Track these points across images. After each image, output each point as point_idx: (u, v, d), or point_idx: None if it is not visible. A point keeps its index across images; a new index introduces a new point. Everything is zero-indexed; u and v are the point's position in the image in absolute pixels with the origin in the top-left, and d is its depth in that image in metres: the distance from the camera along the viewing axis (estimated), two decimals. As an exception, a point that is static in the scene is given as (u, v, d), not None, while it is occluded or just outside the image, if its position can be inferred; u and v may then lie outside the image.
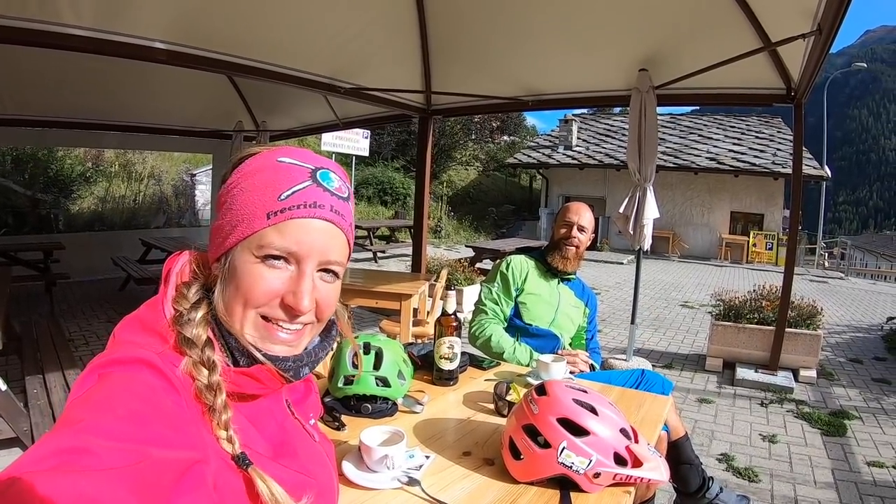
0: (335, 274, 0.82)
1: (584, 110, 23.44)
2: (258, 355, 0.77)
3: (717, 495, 2.41)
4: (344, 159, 18.68)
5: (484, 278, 3.03)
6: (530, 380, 2.06)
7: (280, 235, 0.75)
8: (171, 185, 13.00)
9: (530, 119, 34.61)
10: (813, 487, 3.23)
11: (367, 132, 16.06)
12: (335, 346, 0.92)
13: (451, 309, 2.05)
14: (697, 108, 24.16)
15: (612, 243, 17.70)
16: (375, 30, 5.04)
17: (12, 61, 5.50)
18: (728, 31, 4.05)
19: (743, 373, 5.08)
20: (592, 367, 2.65)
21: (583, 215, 2.82)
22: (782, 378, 4.98)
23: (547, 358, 2.10)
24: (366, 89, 5.60)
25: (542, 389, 1.37)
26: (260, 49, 4.64)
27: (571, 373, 2.43)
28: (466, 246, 14.24)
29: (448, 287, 2.11)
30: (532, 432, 1.29)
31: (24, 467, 0.51)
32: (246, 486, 0.70)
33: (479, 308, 2.83)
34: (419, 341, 3.58)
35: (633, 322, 5.33)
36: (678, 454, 2.33)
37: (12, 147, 11.18)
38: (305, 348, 0.84)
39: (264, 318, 0.78)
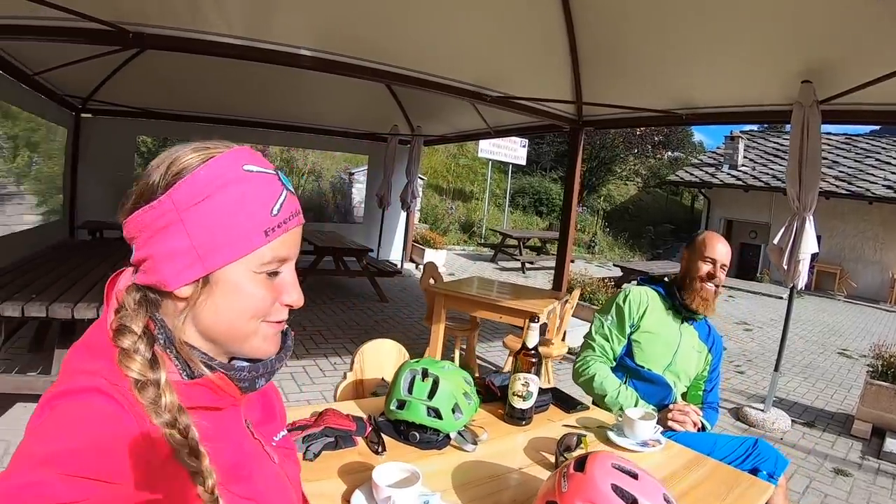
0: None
1: (753, 127, 21.40)
2: (214, 364, 0.77)
3: None
4: (501, 166, 18.82)
5: (598, 309, 2.76)
6: (612, 435, 1.83)
7: (280, 247, 0.78)
8: (329, 182, 13.74)
9: (697, 134, 32.39)
10: None
11: (525, 141, 15.99)
12: (288, 356, 0.88)
13: (531, 343, 1.89)
14: (877, 128, 21.04)
15: (773, 275, 15.94)
16: (523, 38, 4.93)
17: (180, 64, 6.10)
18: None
19: (893, 445, 4.33)
20: (703, 427, 2.30)
21: (723, 252, 2.46)
22: (940, 458, 4.18)
23: (634, 413, 1.86)
24: (513, 98, 5.52)
25: (581, 463, 1.16)
26: (406, 56, 4.71)
27: (671, 430, 2.13)
28: (615, 265, 13.62)
29: (533, 319, 1.91)
30: (555, 510, 1.09)
31: None
32: None
33: (587, 342, 2.59)
34: (500, 371, 3.41)
35: (776, 369, 4.78)
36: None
37: (182, 139, 12.43)
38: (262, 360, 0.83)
39: (276, 320, 0.81)
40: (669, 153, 28.19)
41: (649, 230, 21.75)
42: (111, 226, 7.17)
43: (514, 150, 15.77)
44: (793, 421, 4.87)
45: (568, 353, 5.05)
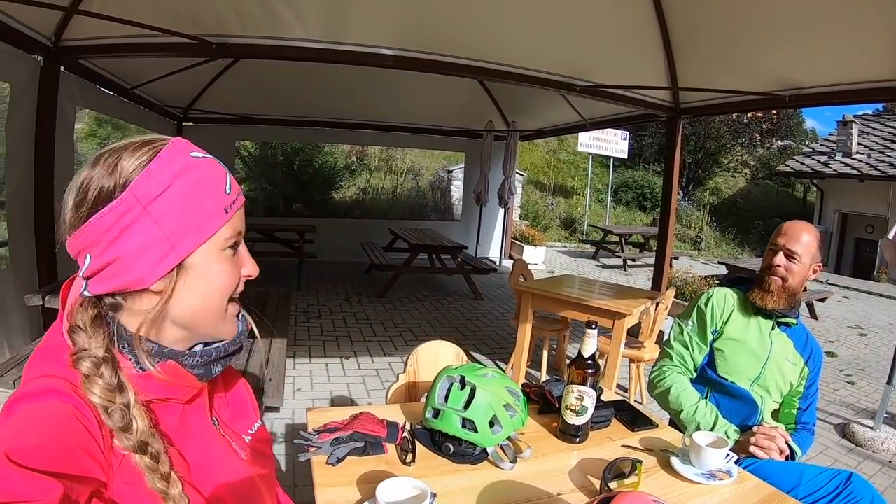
0: None
1: (868, 110, 19.37)
2: (174, 354, 0.79)
3: None
4: (603, 160, 18.26)
5: (680, 312, 2.51)
6: (675, 461, 1.60)
7: (238, 222, 0.83)
8: (428, 180, 13.84)
9: (809, 121, 29.82)
10: None
11: (626, 133, 15.43)
12: (243, 343, 0.89)
13: (587, 352, 1.69)
14: None
15: (892, 273, 14.26)
16: (610, 24, 4.73)
17: (274, 70, 6.42)
18: None
19: None
20: (792, 455, 2.00)
21: (796, 237, 2.15)
22: None
23: (704, 438, 1.61)
24: (604, 87, 5.30)
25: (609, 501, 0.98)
26: (492, 50, 4.67)
27: (752, 455, 1.88)
28: (719, 262, 12.80)
29: (590, 325, 1.73)
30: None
31: None
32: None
33: (664, 350, 2.36)
34: (558, 378, 3.19)
35: (889, 381, 4.24)
36: None
37: (282, 143, 13.01)
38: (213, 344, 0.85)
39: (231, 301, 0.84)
40: (779, 142, 26.14)
41: (759, 225, 20.27)
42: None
43: (615, 143, 15.24)
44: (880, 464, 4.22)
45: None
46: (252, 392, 1.05)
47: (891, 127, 18.27)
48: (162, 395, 0.78)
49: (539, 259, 11.19)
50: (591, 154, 16.23)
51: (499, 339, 6.00)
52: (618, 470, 1.42)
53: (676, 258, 13.48)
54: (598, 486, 1.43)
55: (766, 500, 1.47)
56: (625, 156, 16.26)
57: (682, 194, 19.28)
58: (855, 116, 18.18)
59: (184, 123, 8.08)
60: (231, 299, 0.83)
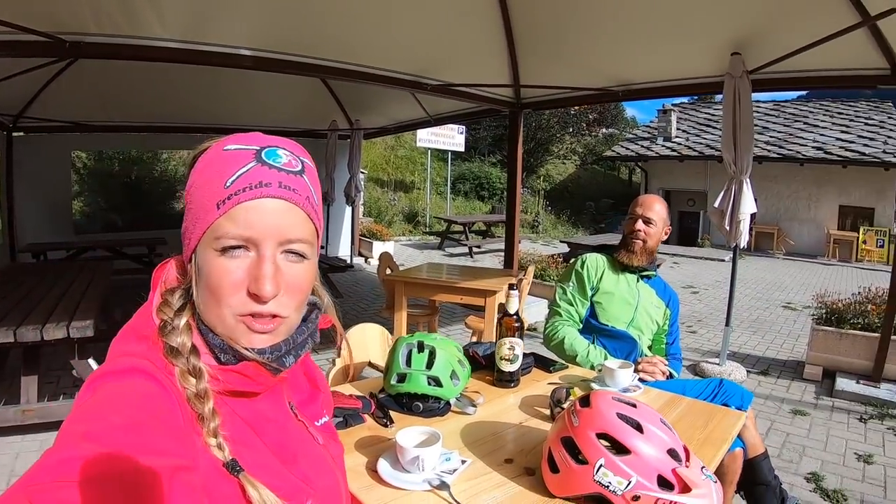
0: (300, 254, 0.77)
1: (684, 99, 22.29)
2: (241, 350, 0.75)
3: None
4: (440, 155, 18.94)
5: (558, 278, 2.92)
6: (595, 385, 1.98)
7: (232, 223, 0.72)
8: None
9: (629, 110, 33.37)
10: (906, 517, 2.92)
11: (463, 128, 16.12)
12: (317, 329, 0.87)
13: (512, 309, 2.01)
14: (803, 93, 22.32)
15: (714, 239, 16.77)
16: (459, 26, 5.00)
17: (112, 74, 5.95)
18: (822, 7, 3.70)
19: (843, 383, 4.67)
20: (670, 376, 2.49)
21: (650, 207, 2.67)
22: (886, 391, 4.52)
23: (613, 363, 2.01)
24: (452, 85, 5.59)
25: (586, 400, 1.30)
26: (345, 50, 4.71)
27: (642, 380, 2.31)
28: (561, 241, 13.97)
29: (512, 286, 2.04)
30: (570, 445, 1.23)
31: (26, 482, 0.52)
32: (241, 492, 0.69)
33: (553, 309, 2.75)
34: (489, 341, 3.54)
35: (727, 324, 5.04)
36: (755, 474, 2.17)
37: (118, 151, 12.15)
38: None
39: (240, 312, 0.75)
40: (604, 130, 28.93)
41: (590, 206, 22.35)
42: (55, 246, 6.97)
43: (452, 138, 15.89)
44: (748, 371, 5.16)
45: (527, 329, 5.20)
46: (327, 383, 1.05)
47: (706, 113, 21.19)
48: (240, 388, 0.77)
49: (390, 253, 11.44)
50: (429, 149, 16.80)
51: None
52: (557, 397, 1.73)
53: (519, 241, 14.47)
54: (546, 413, 1.75)
55: (669, 402, 1.91)
56: (462, 149, 16.99)
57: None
58: (673, 105, 20.74)
59: (14, 133, 7.28)
60: (241, 313, 0.75)
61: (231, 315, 0.74)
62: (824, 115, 18.97)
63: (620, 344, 2.61)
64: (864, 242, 15.72)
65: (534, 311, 6.63)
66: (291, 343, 0.80)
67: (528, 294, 5.31)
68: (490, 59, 5.52)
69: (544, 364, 2.28)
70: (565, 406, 1.66)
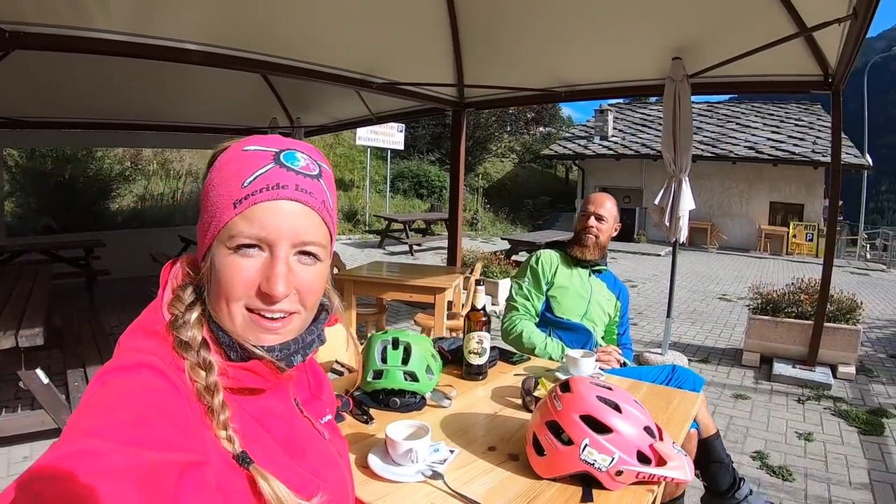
0: (314, 256, 0.79)
1: (620, 100, 23.05)
2: (250, 348, 0.76)
3: (745, 497, 2.37)
4: (380, 153, 18.89)
5: (513, 274, 3.01)
6: (559, 375, 2.06)
7: (247, 222, 0.74)
8: (208, 182, 13.30)
9: (566, 109, 34.27)
10: (848, 488, 3.15)
11: (402, 126, 16.14)
12: (324, 330, 0.88)
13: (480, 304, 2.07)
14: (735, 95, 23.63)
15: (650, 235, 17.43)
16: (406, 25, 5.04)
17: (49, 66, 5.67)
18: (763, 18, 3.95)
19: (780, 368, 4.97)
20: (624, 364, 2.61)
21: (601, 204, 2.82)
22: (820, 374, 4.85)
23: (576, 353, 2.10)
24: (399, 84, 5.60)
25: (566, 386, 1.38)
26: (293, 47, 4.67)
27: (601, 369, 2.42)
28: (502, 238, 14.19)
29: (478, 282, 2.12)
30: (555, 429, 1.30)
31: (32, 474, 0.53)
32: (250, 486, 0.70)
33: (510, 304, 2.83)
34: (451, 335, 3.60)
35: (668, 315, 5.27)
36: (708, 452, 2.31)
37: (52, 149, 11.59)
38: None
39: (249, 310, 0.76)
40: (541, 129, 29.53)
41: (528, 203, 22.74)
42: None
43: (391, 136, 15.90)
44: (689, 360, 5.42)
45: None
46: (329, 383, 1.07)
47: (641, 113, 22.02)
48: (249, 385, 0.78)
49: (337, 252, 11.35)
50: (368, 147, 16.74)
51: (321, 331, 6.11)
52: (527, 387, 1.81)
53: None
54: (519, 402, 1.82)
55: (630, 387, 2.03)
56: (401, 147, 17.02)
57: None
58: (610, 105, 21.46)
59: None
60: (249, 310, 0.76)
61: (241, 313, 0.76)
62: (756, 116, 20.12)
63: (576, 336, 2.72)
64: (794, 237, 16.85)
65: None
66: (300, 342, 0.81)
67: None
68: (436, 59, 5.58)
69: (507, 357, 2.35)
70: (536, 394, 1.74)
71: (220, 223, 0.75)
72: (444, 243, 13.92)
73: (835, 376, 4.94)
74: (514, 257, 10.05)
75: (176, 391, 0.68)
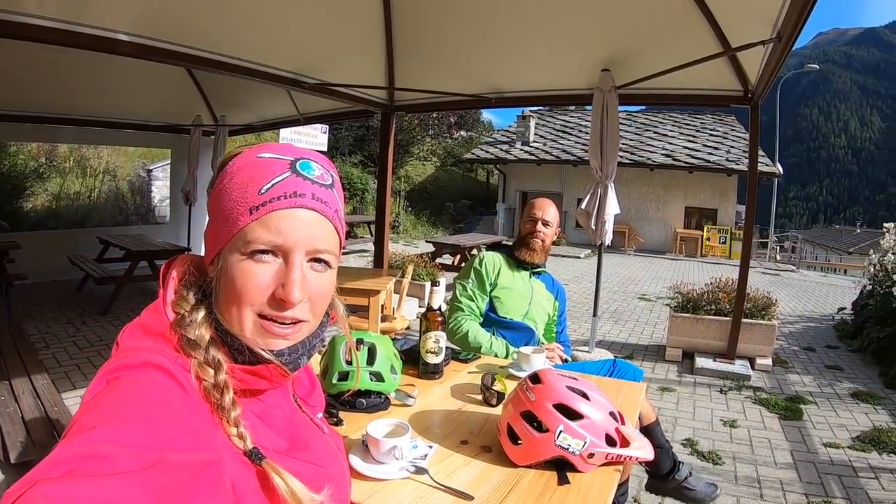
0: (326, 263, 0.81)
1: (542, 107, 23.68)
2: (259, 351, 0.77)
3: (685, 478, 2.55)
4: (302, 155, 18.53)
5: (457, 275, 3.10)
6: (512, 371, 2.16)
7: (264, 229, 0.75)
8: (126, 181, 12.63)
9: (486, 115, 34.73)
10: (774, 468, 3.42)
11: (326, 127, 15.92)
12: (325, 333, 0.90)
13: (436, 304, 2.13)
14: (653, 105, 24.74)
15: (570, 238, 17.99)
16: (341, 26, 5.05)
17: None
18: (690, 36, 4.20)
19: (702, 362, 5.28)
20: (565, 360, 2.75)
21: (547, 211, 2.94)
22: (740, 366, 5.20)
23: (527, 350, 2.21)
24: (331, 85, 5.59)
25: (536, 378, 1.47)
26: (225, 43, 4.58)
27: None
28: (427, 241, 14.28)
29: (435, 283, 2.18)
30: (530, 418, 1.39)
31: (36, 475, 0.51)
32: (261, 482, 0.71)
33: (454, 305, 2.90)
34: (397, 337, 3.62)
35: (595, 314, 5.49)
36: (650, 438, 2.43)
37: None
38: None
39: (261, 315, 0.77)
40: (463, 133, 29.87)
41: (449, 206, 22.96)
42: None
43: (315, 137, 15.59)
44: (615, 356, 5.60)
45: (407, 328, 5.29)
46: (318, 382, 1.10)
47: (562, 120, 22.67)
48: (255, 387, 0.79)
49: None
50: (291, 148, 16.43)
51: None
52: (486, 383, 1.88)
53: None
54: (479, 398, 1.89)
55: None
56: (325, 148, 16.77)
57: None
58: (532, 111, 21.97)
59: None
60: (261, 316, 0.77)
61: (252, 317, 0.77)
62: (673, 125, 21.17)
63: (519, 334, 2.83)
64: (708, 240, 17.91)
65: (405, 309, 6.73)
66: (307, 345, 0.84)
67: (396, 293, 5.39)
68: (368, 61, 5.62)
69: (458, 356, 2.43)
70: (495, 389, 1.82)
71: (235, 228, 0.76)
72: (367, 246, 13.95)
73: (753, 368, 5.30)
74: (438, 260, 10.15)
75: (184, 391, 0.69)
